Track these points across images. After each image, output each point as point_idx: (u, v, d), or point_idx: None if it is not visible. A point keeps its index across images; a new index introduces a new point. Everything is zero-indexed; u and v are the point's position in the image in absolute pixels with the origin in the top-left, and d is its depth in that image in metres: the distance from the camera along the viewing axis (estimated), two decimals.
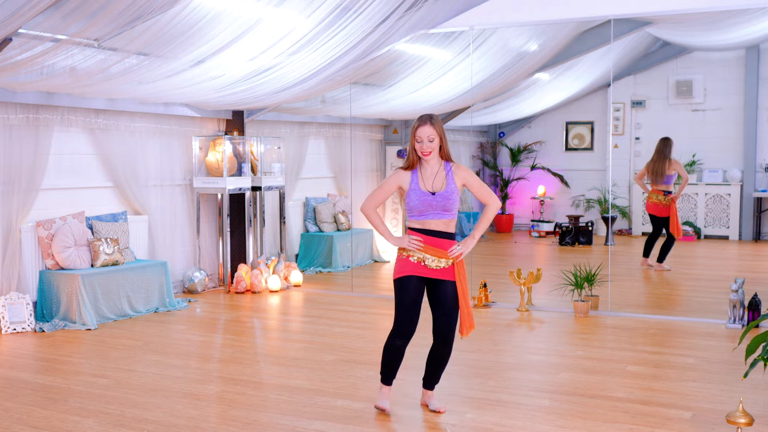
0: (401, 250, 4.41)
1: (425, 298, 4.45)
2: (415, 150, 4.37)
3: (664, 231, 9.57)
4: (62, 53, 5.89)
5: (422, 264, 4.34)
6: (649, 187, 9.54)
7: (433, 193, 4.32)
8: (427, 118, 4.34)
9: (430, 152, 4.34)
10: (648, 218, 9.90)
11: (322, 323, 7.04)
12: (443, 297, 4.37)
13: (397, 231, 11.08)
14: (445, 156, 4.41)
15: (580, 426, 4.29)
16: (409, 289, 4.35)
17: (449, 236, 4.37)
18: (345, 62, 7.54)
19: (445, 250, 4.33)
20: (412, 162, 4.38)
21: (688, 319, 7.02)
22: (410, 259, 4.36)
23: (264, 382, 5.19)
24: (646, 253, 9.64)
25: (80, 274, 6.89)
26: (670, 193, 9.43)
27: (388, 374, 4.54)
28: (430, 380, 4.59)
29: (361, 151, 11.17)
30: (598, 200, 12.50)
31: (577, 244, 11.96)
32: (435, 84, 9.78)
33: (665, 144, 9.44)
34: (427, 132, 4.32)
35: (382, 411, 4.50)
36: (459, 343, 6.13)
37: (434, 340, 4.48)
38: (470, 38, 8.51)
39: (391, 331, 4.43)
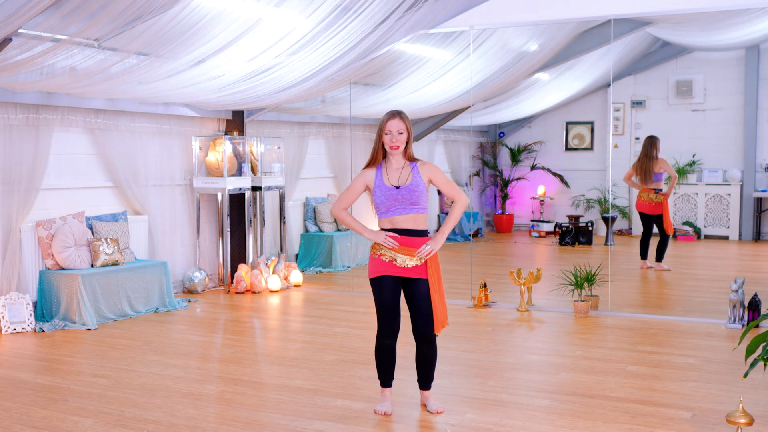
0: (374, 248, 4.40)
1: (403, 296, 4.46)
2: (382, 146, 4.37)
3: (656, 229, 9.57)
4: (62, 53, 5.89)
5: (393, 263, 4.35)
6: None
7: (398, 187, 4.32)
8: (396, 113, 4.36)
9: (398, 146, 4.34)
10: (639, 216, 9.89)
11: (322, 323, 7.04)
12: (418, 296, 4.38)
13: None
14: (409, 156, 4.42)
15: (580, 426, 4.29)
16: (385, 289, 4.36)
17: (420, 233, 4.36)
18: (345, 62, 7.53)
19: (416, 247, 4.32)
20: (376, 158, 4.38)
21: (688, 319, 7.02)
22: (382, 258, 4.36)
23: (264, 382, 5.19)
24: (644, 255, 9.64)
25: (80, 274, 6.89)
26: (660, 190, 9.44)
27: (385, 376, 4.53)
28: (424, 381, 4.58)
29: (361, 151, 11.16)
30: (598, 200, 12.50)
31: (577, 244, 11.96)
32: (435, 84, 9.78)
33: (651, 143, 9.45)
34: (396, 125, 4.33)
35: (383, 416, 4.49)
36: (459, 343, 6.15)
37: (416, 341, 4.48)
38: (470, 38, 8.51)
39: (378, 332, 4.44)
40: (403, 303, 4.47)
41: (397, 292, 4.41)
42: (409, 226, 4.34)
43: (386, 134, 4.35)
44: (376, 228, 4.50)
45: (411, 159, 4.43)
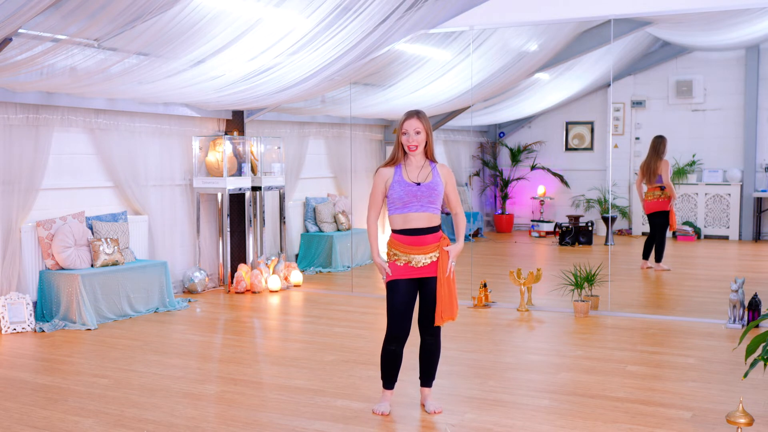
0: (389, 254, 4.42)
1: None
2: (400, 145, 4.37)
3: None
4: (62, 53, 5.89)
5: (409, 265, 4.34)
6: (645, 188, 9.58)
7: (418, 184, 4.32)
8: (414, 113, 4.36)
9: (417, 146, 4.33)
10: (647, 220, 9.89)
11: (322, 323, 7.04)
12: (428, 293, 4.39)
13: None
14: (429, 155, 4.41)
15: (580, 426, 4.29)
16: (399, 292, 4.36)
17: (433, 230, 4.35)
18: (345, 62, 7.54)
19: (429, 244, 4.31)
20: (396, 158, 4.38)
21: (688, 319, 7.02)
22: (397, 263, 4.36)
23: (264, 382, 5.19)
24: (646, 255, 9.63)
25: (80, 274, 6.89)
26: (665, 188, 9.44)
27: (388, 379, 4.54)
28: (426, 377, 4.58)
29: (361, 151, 11.17)
30: (598, 200, 12.50)
31: (577, 244, 11.96)
32: (435, 84, 9.78)
33: (659, 143, 9.45)
34: (414, 125, 4.32)
35: (381, 416, 4.49)
36: (459, 343, 6.15)
37: (420, 333, 4.50)
38: (470, 38, 8.51)
39: (385, 336, 4.45)
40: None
41: (411, 297, 4.39)
42: (422, 224, 4.32)
43: (403, 134, 4.34)
44: (376, 227, 4.51)
45: (432, 159, 4.43)
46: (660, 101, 12.17)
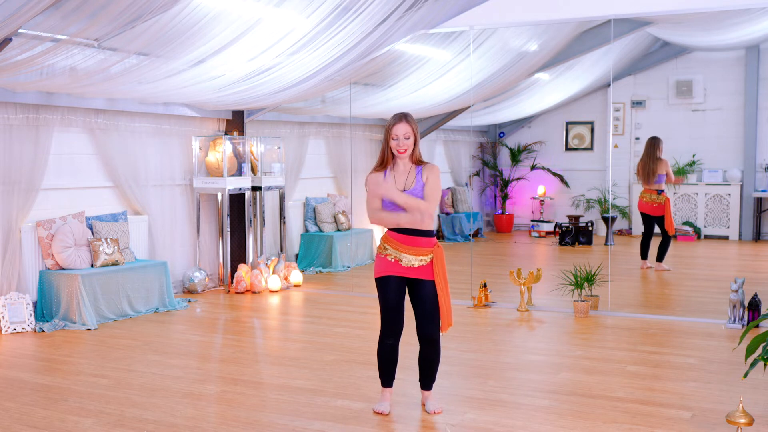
0: (380, 248, 4.43)
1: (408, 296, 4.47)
2: (389, 149, 4.37)
3: (657, 230, 9.59)
4: (62, 53, 5.89)
5: (399, 263, 4.35)
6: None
7: (402, 191, 4.33)
8: (402, 116, 4.35)
9: (406, 150, 4.34)
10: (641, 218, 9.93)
11: (322, 323, 7.04)
12: (423, 297, 4.38)
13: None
14: (416, 159, 4.41)
15: (580, 426, 4.29)
16: (390, 289, 4.37)
17: (426, 234, 4.36)
18: (345, 62, 7.54)
19: (421, 247, 4.32)
20: (386, 161, 4.39)
21: (688, 319, 7.02)
22: (387, 258, 4.37)
23: (264, 382, 5.19)
24: (644, 255, 9.64)
25: (80, 274, 6.89)
26: (662, 191, 9.46)
27: (386, 376, 4.54)
28: (425, 381, 4.58)
29: (361, 151, 11.17)
30: (598, 200, 12.50)
31: (577, 244, 11.96)
32: (435, 84, 9.78)
33: (654, 144, 9.47)
34: (403, 129, 4.33)
35: (380, 415, 4.49)
36: (459, 343, 6.15)
37: (420, 342, 4.49)
38: (470, 38, 8.51)
39: (381, 332, 4.46)
40: (407, 303, 4.48)
41: (402, 292, 4.41)
42: (414, 226, 4.35)
43: (393, 139, 4.35)
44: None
45: (417, 162, 4.42)
46: (660, 101, 12.17)
